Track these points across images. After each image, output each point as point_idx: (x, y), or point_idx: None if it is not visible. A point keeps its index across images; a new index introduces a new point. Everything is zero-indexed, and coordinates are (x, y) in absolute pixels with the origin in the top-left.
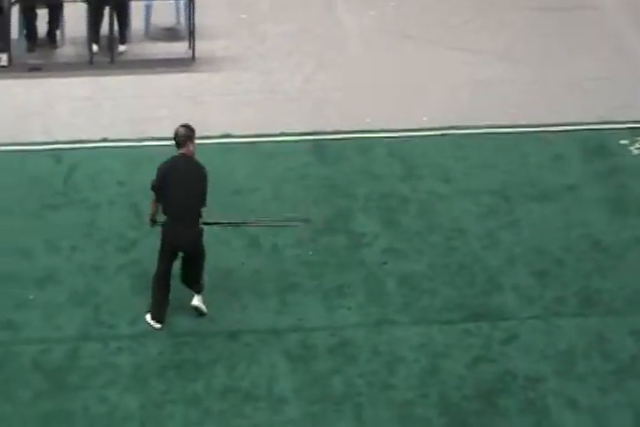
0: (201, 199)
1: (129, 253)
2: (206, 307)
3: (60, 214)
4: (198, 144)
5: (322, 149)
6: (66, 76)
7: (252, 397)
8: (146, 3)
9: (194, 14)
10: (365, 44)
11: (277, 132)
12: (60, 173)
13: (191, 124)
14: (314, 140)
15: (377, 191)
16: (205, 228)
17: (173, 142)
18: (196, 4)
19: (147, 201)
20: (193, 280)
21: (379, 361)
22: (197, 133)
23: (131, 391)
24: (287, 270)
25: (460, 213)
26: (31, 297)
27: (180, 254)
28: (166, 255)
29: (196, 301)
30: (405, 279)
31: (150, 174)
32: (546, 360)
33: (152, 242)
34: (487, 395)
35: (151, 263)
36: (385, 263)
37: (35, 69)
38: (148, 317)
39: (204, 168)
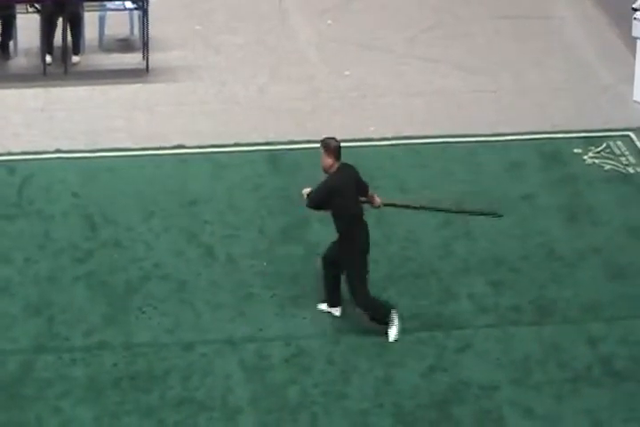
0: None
1: (83, 264)
2: (161, 317)
3: (14, 226)
4: (153, 155)
5: (276, 159)
6: (19, 88)
7: (206, 407)
8: (99, 13)
9: (148, 25)
10: (321, 54)
11: (232, 142)
12: (13, 184)
13: (145, 134)
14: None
15: None
16: None
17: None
18: (150, 15)
19: (101, 212)
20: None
21: (334, 371)
22: (152, 144)
23: (85, 403)
24: (243, 281)
25: (416, 223)
26: None
27: None
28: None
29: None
30: None
31: (104, 186)
32: (501, 369)
33: (107, 253)
34: (441, 404)
35: (106, 274)
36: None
37: None
38: (324, 306)
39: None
